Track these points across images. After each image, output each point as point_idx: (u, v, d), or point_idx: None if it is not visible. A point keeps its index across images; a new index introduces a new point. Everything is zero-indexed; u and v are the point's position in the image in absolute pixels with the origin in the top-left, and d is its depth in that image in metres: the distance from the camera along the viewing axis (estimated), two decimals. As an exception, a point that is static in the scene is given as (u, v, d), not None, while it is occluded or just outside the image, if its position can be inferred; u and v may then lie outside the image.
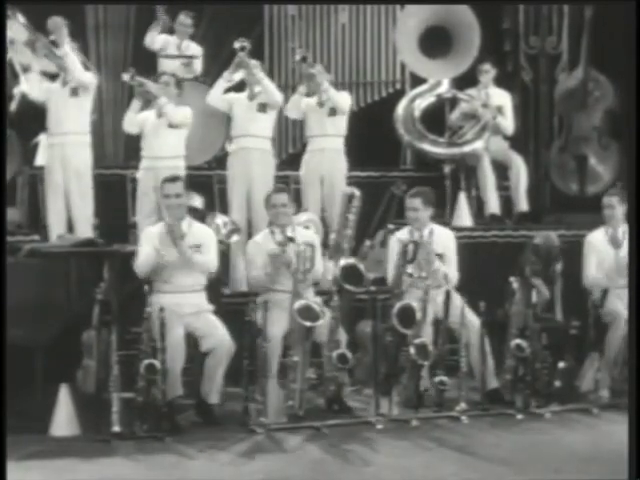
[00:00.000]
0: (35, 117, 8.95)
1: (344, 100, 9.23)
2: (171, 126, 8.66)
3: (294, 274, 7.28)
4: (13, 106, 9.06)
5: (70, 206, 8.55)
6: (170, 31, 10.33)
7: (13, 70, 9.12)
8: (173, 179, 7.39)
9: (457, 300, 7.58)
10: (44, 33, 8.77)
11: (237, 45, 9.03)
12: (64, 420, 6.77)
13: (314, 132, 9.26)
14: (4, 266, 6.55)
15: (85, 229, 8.48)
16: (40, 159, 9.40)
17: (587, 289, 8.10)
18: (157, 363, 6.70)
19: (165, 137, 8.68)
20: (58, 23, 8.54)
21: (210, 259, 7.27)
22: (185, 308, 7.14)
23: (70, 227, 8.60)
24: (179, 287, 7.16)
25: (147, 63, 10.04)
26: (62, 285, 7.15)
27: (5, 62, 8.81)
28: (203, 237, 7.32)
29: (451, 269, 7.73)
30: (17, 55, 9.20)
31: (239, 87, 9.25)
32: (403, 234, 7.79)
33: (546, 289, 7.77)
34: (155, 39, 10.21)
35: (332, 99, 9.08)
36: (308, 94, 9.25)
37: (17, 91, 9.10)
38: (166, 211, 7.31)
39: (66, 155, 8.52)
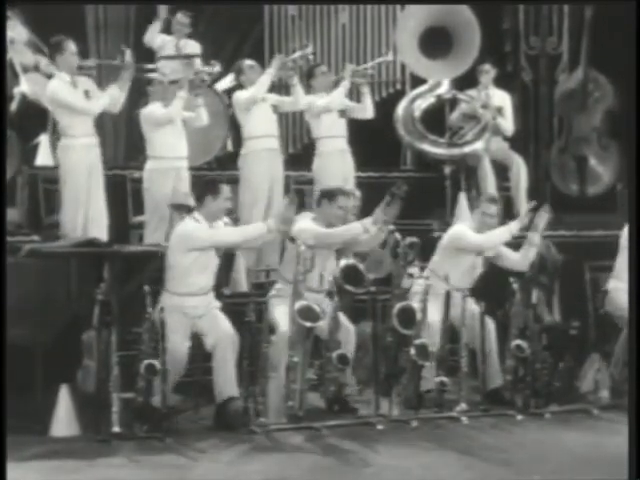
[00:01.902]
0: (35, 117, 8.95)
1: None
2: (186, 126, 8.66)
3: (294, 274, 7.28)
4: (13, 106, 9.07)
5: (90, 208, 8.38)
6: (167, 31, 10.33)
7: (13, 70, 9.13)
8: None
9: (472, 305, 7.62)
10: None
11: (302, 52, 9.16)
12: (64, 420, 6.77)
13: (329, 133, 9.20)
14: (4, 266, 6.55)
15: (103, 230, 8.37)
16: (40, 159, 9.39)
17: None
18: (157, 363, 6.70)
19: (183, 137, 8.66)
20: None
21: None
22: (199, 309, 7.13)
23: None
24: (199, 289, 7.14)
25: (147, 63, 10.02)
26: (62, 285, 7.16)
27: (5, 62, 8.81)
28: None
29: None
30: (17, 55, 9.21)
31: (239, 87, 9.24)
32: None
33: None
34: (154, 37, 10.20)
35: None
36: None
37: (17, 91, 9.10)
38: (220, 213, 7.26)
39: (91, 157, 8.39)
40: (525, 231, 7.93)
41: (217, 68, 9.35)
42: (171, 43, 10.26)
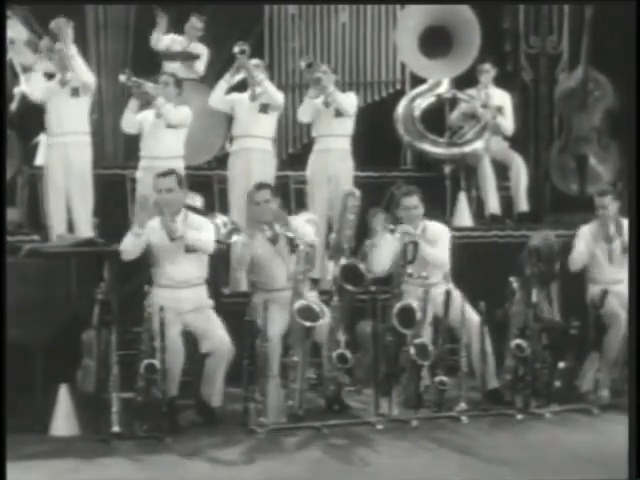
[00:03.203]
0: (35, 117, 8.95)
1: (350, 102, 9.23)
2: (170, 126, 8.66)
3: (294, 274, 7.28)
4: (13, 106, 9.08)
5: (71, 206, 8.55)
6: (178, 30, 10.32)
7: (13, 70, 9.13)
8: (165, 173, 7.36)
9: (457, 299, 7.59)
10: (47, 33, 8.79)
11: (237, 49, 9.06)
12: (64, 420, 6.77)
13: (321, 132, 9.25)
14: (4, 266, 6.55)
15: (86, 229, 8.49)
16: (40, 159, 9.40)
17: (586, 289, 8.14)
18: (157, 363, 6.70)
19: (164, 137, 8.68)
20: (62, 24, 8.52)
21: (204, 236, 7.23)
22: (184, 304, 7.14)
23: (70, 227, 8.60)
24: (178, 282, 7.16)
25: (147, 63, 10.04)
26: (62, 285, 7.15)
27: (5, 62, 8.82)
28: (199, 226, 7.30)
29: (440, 252, 7.76)
30: (17, 55, 9.22)
31: (241, 87, 9.25)
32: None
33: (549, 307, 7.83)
34: (161, 39, 10.21)
35: (338, 102, 9.08)
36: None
37: (17, 91, 9.11)
38: (163, 205, 7.22)
39: (68, 155, 8.51)
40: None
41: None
42: (180, 44, 10.25)
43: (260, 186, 7.60)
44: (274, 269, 7.39)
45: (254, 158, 9.03)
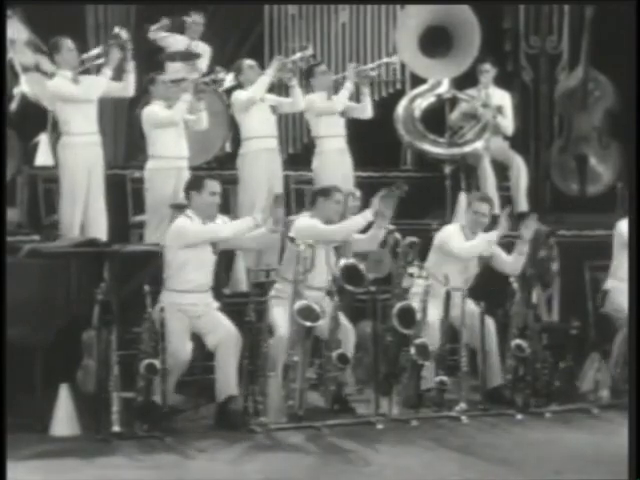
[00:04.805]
0: (35, 117, 8.94)
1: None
2: (186, 128, 8.65)
3: (294, 274, 7.28)
4: (13, 106, 9.07)
5: (88, 206, 8.39)
6: (180, 30, 10.30)
7: (13, 70, 9.13)
8: (216, 177, 7.45)
9: (471, 305, 7.60)
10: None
11: (303, 54, 9.13)
12: (64, 420, 6.77)
13: (330, 132, 9.19)
14: (4, 266, 6.55)
15: (102, 230, 8.37)
16: (39, 158, 9.38)
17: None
18: (157, 363, 6.71)
19: (184, 138, 8.64)
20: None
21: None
22: (198, 307, 7.15)
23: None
24: (197, 285, 7.15)
25: (147, 63, 10.02)
26: (62, 285, 7.16)
27: (5, 62, 8.81)
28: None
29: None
30: (17, 55, 9.22)
31: (238, 87, 9.23)
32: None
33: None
34: (163, 37, 10.16)
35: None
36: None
37: (17, 91, 9.11)
38: (209, 208, 7.22)
39: (91, 155, 8.38)
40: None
41: (222, 75, 9.35)
42: (183, 43, 10.23)
43: (341, 189, 7.69)
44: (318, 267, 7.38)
45: (273, 158, 9.02)
